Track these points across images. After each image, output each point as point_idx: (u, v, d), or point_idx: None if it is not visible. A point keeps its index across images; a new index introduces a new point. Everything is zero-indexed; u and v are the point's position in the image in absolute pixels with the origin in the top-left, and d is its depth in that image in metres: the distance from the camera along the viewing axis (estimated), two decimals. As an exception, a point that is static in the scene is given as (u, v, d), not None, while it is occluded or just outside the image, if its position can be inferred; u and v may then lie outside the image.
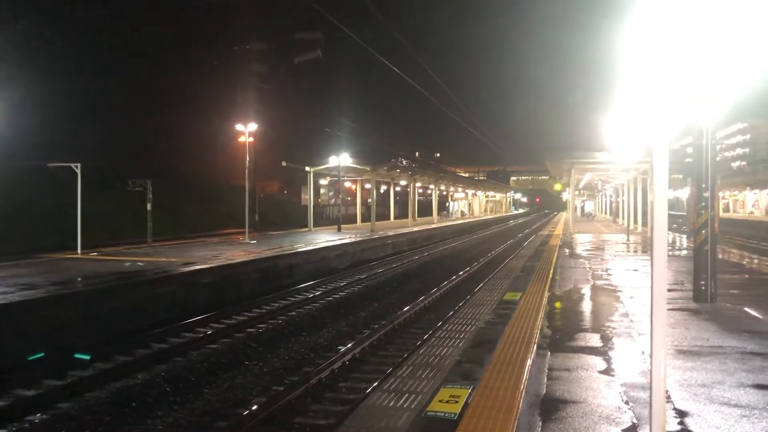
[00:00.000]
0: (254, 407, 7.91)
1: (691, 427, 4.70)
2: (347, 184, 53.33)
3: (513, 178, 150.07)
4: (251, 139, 27.42)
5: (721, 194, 55.75)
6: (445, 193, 71.15)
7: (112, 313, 12.18)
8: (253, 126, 27.09)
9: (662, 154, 3.37)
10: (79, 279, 13.69)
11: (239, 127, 27.41)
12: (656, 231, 3.38)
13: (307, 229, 35.43)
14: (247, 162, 25.79)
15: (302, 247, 22.41)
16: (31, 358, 9.97)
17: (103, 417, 8.01)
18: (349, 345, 11.00)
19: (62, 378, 9.35)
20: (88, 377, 9.33)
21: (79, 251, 19.19)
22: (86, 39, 37.69)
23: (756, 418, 4.88)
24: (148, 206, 22.31)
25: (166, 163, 42.74)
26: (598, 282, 13.24)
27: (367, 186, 45.12)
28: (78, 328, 11.29)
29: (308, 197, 37.66)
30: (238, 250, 20.89)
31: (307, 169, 35.87)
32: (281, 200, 60.61)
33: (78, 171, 18.70)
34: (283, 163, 36.04)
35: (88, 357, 10.05)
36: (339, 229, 34.12)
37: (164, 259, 17.66)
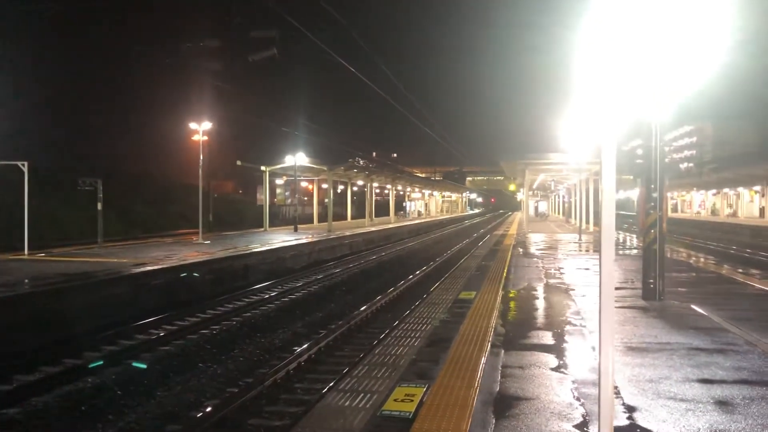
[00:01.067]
0: (208, 409, 7.80)
1: (639, 422, 4.82)
2: (304, 184, 53.02)
3: (469, 179, 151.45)
4: (205, 138, 27.00)
5: (669, 195, 57.37)
6: (402, 193, 71.41)
7: (60, 315, 11.84)
8: (207, 125, 26.67)
9: (610, 154, 3.44)
10: (26, 280, 13.29)
11: (193, 125, 26.97)
12: (604, 230, 3.45)
13: (262, 229, 35.12)
14: (200, 161, 25.41)
15: (257, 248, 22.20)
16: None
17: (50, 422, 7.79)
18: (305, 346, 10.93)
19: (6, 383, 9.03)
20: (35, 381, 9.05)
21: (26, 252, 18.62)
22: (35, 34, 36.60)
23: (701, 411, 5.03)
24: (99, 206, 21.77)
25: (117, 163, 41.91)
26: (551, 281, 13.46)
27: (324, 186, 44.97)
28: (24, 331, 10.96)
29: (264, 197, 37.31)
30: (192, 251, 20.57)
31: (263, 168, 35.55)
32: (236, 200, 59.93)
33: (25, 169, 18.13)
34: (238, 163, 35.64)
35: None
36: (295, 229, 33.91)
37: (115, 260, 17.27)
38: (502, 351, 7.08)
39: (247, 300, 15.81)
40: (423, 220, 59.77)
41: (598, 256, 3.54)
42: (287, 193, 58.71)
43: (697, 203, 73.46)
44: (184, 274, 16.11)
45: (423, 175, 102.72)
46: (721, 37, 4.54)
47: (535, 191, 73.31)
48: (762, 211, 51.96)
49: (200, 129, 26.55)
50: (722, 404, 5.20)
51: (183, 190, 46.69)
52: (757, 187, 53.06)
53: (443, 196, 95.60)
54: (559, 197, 72.71)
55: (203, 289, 16.39)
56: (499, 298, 10.83)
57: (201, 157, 25.47)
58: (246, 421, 7.72)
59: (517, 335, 7.95)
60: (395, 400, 5.41)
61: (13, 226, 21.81)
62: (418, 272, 21.70)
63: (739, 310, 9.62)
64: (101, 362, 9.98)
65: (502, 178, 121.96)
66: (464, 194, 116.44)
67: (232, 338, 12.15)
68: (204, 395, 8.83)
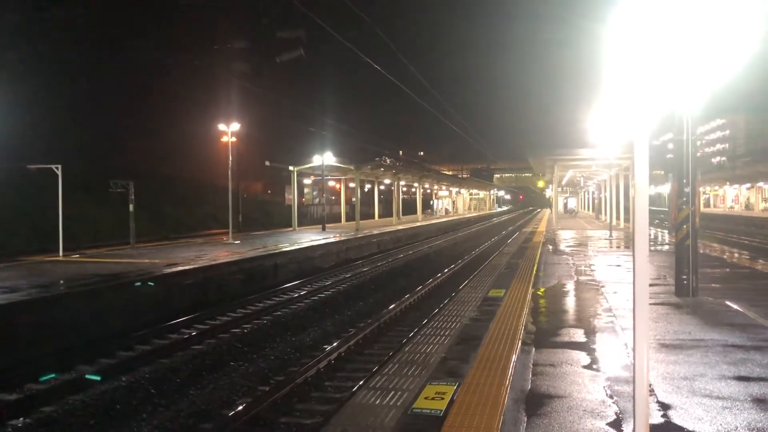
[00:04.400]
0: (239, 408, 7.88)
1: (674, 420, 4.75)
2: (331, 184, 53.28)
3: (496, 176, 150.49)
4: (234, 139, 27.28)
5: (701, 189, 56.35)
6: (429, 191, 71.30)
7: (96, 315, 12.07)
8: (235, 126, 26.94)
9: (643, 149, 3.40)
10: (62, 282, 13.56)
11: (222, 127, 27.25)
12: (638, 226, 3.40)
13: (291, 228, 35.33)
14: (230, 162, 25.66)
15: (286, 247, 22.35)
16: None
17: (86, 420, 7.95)
18: (335, 344, 10.98)
19: (40, 382, 9.23)
20: (71, 380, 9.24)
21: (60, 254, 19.00)
22: (67, 39, 37.21)
23: (738, 409, 4.94)
24: (131, 207, 22.10)
25: (148, 165, 42.32)
26: (582, 278, 13.32)
27: (352, 185, 45.10)
28: (63, 331, 11.19)
29: (292, 197, 37.53)
30: (222, 251, 20.79)
31: (291, 168, 35.77)
32: (265, 200, 60.32)
33: (59, 173, 18.49)
34: (267, 163, 35.91)
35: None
36: (323, 229, 34.07)
37: (147, 261, 17.53)
38: (533, 349, 7.03)
39: (277, 299, 15.93)
40: (450, 218, 59.59)
41: (628, 253, 3.49)
42: (315, 193, 58.99)
43: (731, 198, 72.09)
44: (215, 274, 16.29)
45: (450, 173, 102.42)
46: (753, 27, 4.45)
47: (564, 188, 72.61)
48: (799, 204, 50.81)
49: (229, 130, 26.83)
50: (760, 402, 5.10)
51: (213, 191, 47.16)
52: (794, 181, 51.93)
53: (471, 194, 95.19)
54: (588, 193, 71.92)
55: (234, 289, 16.56)
56: (529, 296, 10.75)
57: (230, 158, 25.72)
58: (278, 419, 7.78)
59: (547, 333, 7.89)
60: (426, 398, 5.41)
61: (48, 229, 22.23)
62: (446, 270, 21.65)
63: (776, 306, 9.42)
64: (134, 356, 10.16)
65: (530, 174, 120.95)
66: (492, 191, 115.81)
67: (263, 337, 12.25)
68: (236, 394, 8.92)
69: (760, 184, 59.97)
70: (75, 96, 40.49)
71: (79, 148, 36.48)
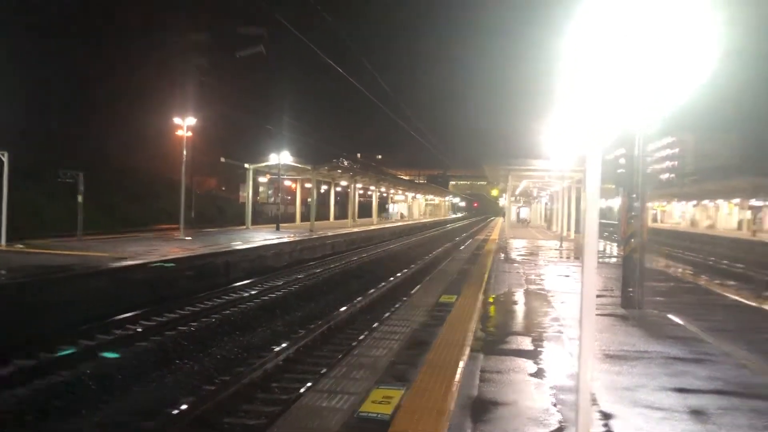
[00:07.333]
0: (184, 407, 7.74)
1: (614, 429, 4.85)
2: (287, 183, 52.85)
3: (452, 183, 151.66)
4: (189, 134, 26.86)
5: (650, 204, 57.92)
6: (385, 195, 71.44)
7: (36, 308, 11.70)
8: (191, 120, 26.52)
9: (595, 163, 3.47)
10: (3, 272, 13.11)
11: (177, 120, 26.79)
12: (587, 239, 3.47)
13: (244, 227, 34.94)
14: (184, 156, 25.26)
15: (239, 245, 22.09)
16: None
17: (22, 418, 7.68)
18: (284, 345, 10.89)
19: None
20: (7, 375, 8.92)
21: (3, 243, 18.36)
22: (18, 25, 36.07)
23: (676, 420, 5.08)
24: (79, 198, 21.51)
25: (100, 156, 41.22)
26: (531, 287, 13.52)
27: (308, 185, 44.85)
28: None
29: (247, 195, 37.13)
30: (173, 247, 20.42)
31: (247, 166, 35.38)
32: (219, 197, 59.49)
33: (5, 159, 17.89)
34: (222, 159, 35.43)
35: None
36: (278, 228, 33.77)
37: (94, 254, 17.08)
38: (481, 355, 7.10)
39: (227, 297, 15.71)
40: (406, 223, 59.84)
41: (578, 264, 3.55)
42: (270, 192, 58.43)
43: (678, 214, 74.20)
44: (164, 270, 15.97)
45: (407, 178, 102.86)
46: (706, 49, 4.58)
47: (518, 197, 73.64)
48: (740, 223, 52.56)
49: (184, 124, 26.39)
50: (697, 413, 5.25)
51: (166, 185, 46.24)
52: (736, 200, 53.68)
53: (426, 200, 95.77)
54: (541, 204, 73.09)
55: (184, 286, 16.26)
56: (479, 303, 10.85)
57: (184, 153, 25.32)
58: (222, 420, 7.67)
59: (496, 340, 7.98)
60: (373, 401, 5.40)
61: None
62: (399, 274, 21.71)
63: (715, 320, 9.75)
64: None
65: (485, 183, 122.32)
66: (447, 198, 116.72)
67: (210, 335, 12.06)
68: (180, 393, 8.75)
69: (705, 202, 61.93)
70: (26, 83, 39.23)
71: (30, 137, 35.31)
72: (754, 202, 49.55)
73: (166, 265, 16.13)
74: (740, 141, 72.73)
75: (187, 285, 16.41)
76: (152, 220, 39.45)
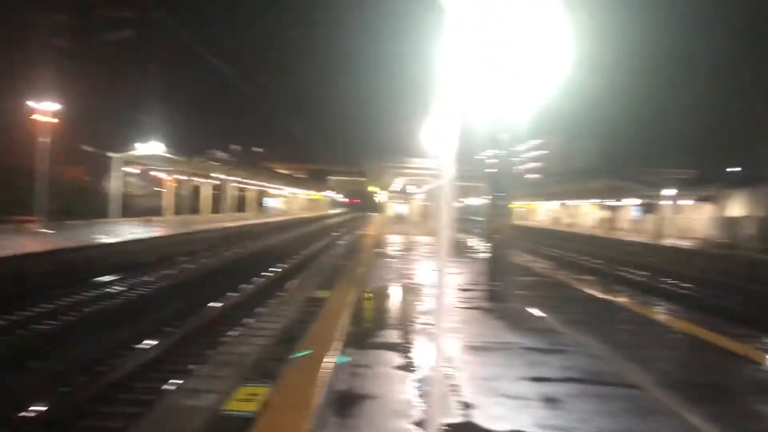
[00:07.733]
0: (37, 410, 7.22)
1: (474, 419, 5.03)
2: (161, 175, 50.67)
3: (332, 178, 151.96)
4: (54, 120, 25.08)
5: (516, 203, 60.88)
6: (263, 189, 70.35)
7: None
8: (50, 105, 24.75)
9: (449, 165, 3.58)
10: None
11: (32, 104, 24.92)
12: (439, 238, 3.57)
13: (111, 219, 33.16)
14: (40, 142, 23.60)
15: (103, 239, 20.93)
16: None
17: None
18: (150, 343, 10.43)
19: None
20: None
21: None
22: None
23: (532, 408, 5.36)
24: None
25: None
26: (405, 281, 13.78)
27: (182, 178, 43.27)
28: None
29: (112, 186, 35.19)
30: (30, 240, 19.01)
31: (110, 155, 33.48)
32: (84, 188, 55.91)
33: None
34: (85, 148, 33.43)
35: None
36: (147, 222, 32.32)
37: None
38: (351, 350, 7.13)
39: (88, 294, 14.84)
40: (284, 218, 59.23)
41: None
42: (141, 183, 55.78)
43: (542, 212, 78.50)
44: (18, 265, 14.84)
45: (287, 172, 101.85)
46: (563, 55, 4.85)
47: (396, 194, 75.00)
48: (598, 221, 56.45)
49: (41, 108, 24.60)
50: (550, 401, 5.56)
51: (24, 173, 42.82)
52: (595, 200, 57.61)
53: (306, 195, 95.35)
54: (418, 201, 74.86)
55: (41, 282, 15.17)
56: (353, 297, 10.91)
57: (40, 139, 23.68)
58: (80, 422, 7.23)
59: (367, 334, 8.05)
60: (238, 399, 5.29)
61: None
62: (275, 269, 21.43)
63: (572, 313, 10.37)
64: None
65: (364, 179, 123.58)
66: (327, 193, 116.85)
67: (69, 334, 11.34)
68: (34, 395, 8.16)
69: (567, 202, 66.02)
70: None
71: None
72: (608, 202, 53.38)
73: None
74: (599, 146, 78.23)
75: (44, 281, 15.32)
76: (8, 210, 36.43)
